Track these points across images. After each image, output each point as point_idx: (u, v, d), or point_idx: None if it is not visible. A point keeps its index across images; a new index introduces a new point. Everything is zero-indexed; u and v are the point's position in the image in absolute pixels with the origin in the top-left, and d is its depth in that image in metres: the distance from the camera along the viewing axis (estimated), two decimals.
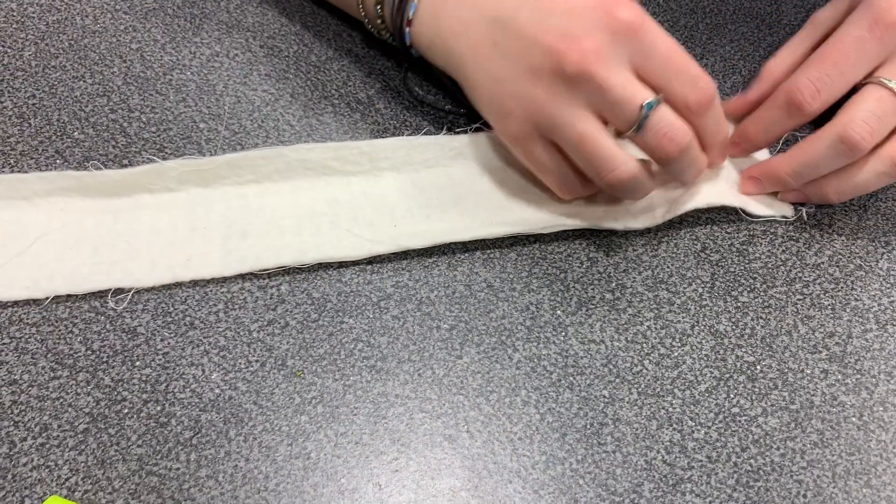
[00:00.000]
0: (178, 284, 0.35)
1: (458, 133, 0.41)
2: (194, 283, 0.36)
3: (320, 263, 0.37)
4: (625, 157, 0.34)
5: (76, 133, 0.39)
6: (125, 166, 0.38)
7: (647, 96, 0.32)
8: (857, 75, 0.36)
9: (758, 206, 0.40)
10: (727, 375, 0.35)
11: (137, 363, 0.33)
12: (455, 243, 0.38)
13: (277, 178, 0.38)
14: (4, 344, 0.33)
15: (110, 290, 0.35)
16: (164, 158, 0.39)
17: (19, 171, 0.38)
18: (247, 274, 0.36)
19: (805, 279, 0.38)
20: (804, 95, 0.36)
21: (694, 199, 0.39)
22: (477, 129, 0.41)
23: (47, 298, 0.34)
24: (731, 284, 0.38)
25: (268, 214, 0.37)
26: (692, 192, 0.39)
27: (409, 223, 0.37)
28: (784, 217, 0.40)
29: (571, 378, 0.34)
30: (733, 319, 0.37)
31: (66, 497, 0.30)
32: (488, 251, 0.38)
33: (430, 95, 0.43)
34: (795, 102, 0.37)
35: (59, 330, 0.34)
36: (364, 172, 0.39)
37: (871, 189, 0.38)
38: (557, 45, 0.32)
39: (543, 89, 0.33)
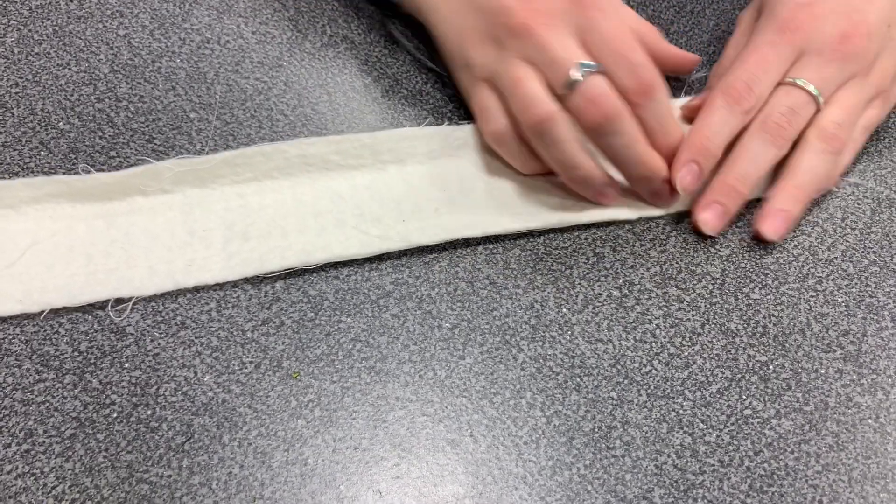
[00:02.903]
0: None
1: (461, 124, 0.39)
2: None
3: None
4: (548, 103, 0.35)
5: (61, 123, 0.38)
6: (113, 158, 0.37)
7: (583, 59, 0.34)
8: (778, 73, 0.38)
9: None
10: (739, 376, 0.34)
11: (126, 365, 0.32)
12: (456, 238, 0.36)
13: (277, 176, 0.37)
14: None
15: (109, 300, 0.33)
16: (153, 149, 0.37)
17: (1, 165, 0.36)
18: None
19: (818, 275, 0.37)
20: (739, 90, 0.37)
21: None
22: None
23: (42, 312, 0.33)
24: (742, 281, 0.37)
25: (269, 214, 0.36)
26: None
27: (418, 218, 0.36)
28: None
29: (578, 379, 0.33)
30: (744, 317, 0.35)
31: None
32: (491, 247, 0.37)
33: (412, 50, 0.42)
34: (733, 96, 0.37)
35: (45, 330, 0.32)
36: (367, 166, 0.37)
37: (823, 176, 0.38)
38: (511, 4, 0.35)
39: (495, 44, 0.36)
